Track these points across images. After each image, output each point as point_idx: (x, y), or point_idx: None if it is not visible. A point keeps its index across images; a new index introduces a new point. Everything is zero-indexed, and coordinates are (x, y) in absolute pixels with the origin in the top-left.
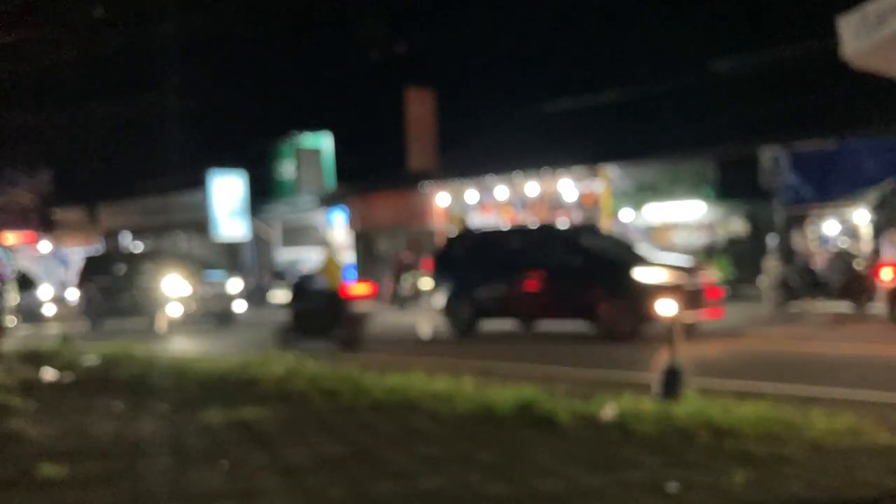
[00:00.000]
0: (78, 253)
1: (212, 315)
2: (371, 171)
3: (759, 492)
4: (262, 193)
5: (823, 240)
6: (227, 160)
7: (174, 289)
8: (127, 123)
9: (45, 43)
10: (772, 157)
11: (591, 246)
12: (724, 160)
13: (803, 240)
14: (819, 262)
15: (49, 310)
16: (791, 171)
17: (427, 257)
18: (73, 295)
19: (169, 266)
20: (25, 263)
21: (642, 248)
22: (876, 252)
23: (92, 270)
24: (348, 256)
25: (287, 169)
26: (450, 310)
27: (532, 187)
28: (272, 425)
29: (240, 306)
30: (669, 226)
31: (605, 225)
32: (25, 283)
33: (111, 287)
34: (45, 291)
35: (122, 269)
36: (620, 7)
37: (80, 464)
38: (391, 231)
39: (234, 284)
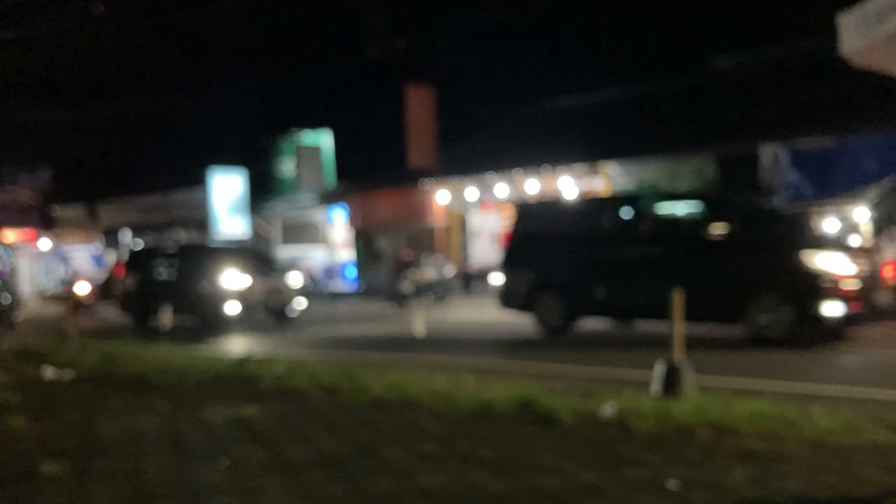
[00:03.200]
0: (78, 250)
1: None
2: (371, 169)
3: (759, 489)
4: (263, 191)
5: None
6: (228, 158)
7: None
8: (127, 121)
9: (45, 41)
10: (772, 155)
11: None
12: (725, 157)
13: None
14: None
15: (300, 304)
16: (791, 168)
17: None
18: (496, 278)
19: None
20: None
21: None
22: (876, 250)
23: (542, 239)
24: (348, 254)
25: (287, 166)
26: None
27: (532, 185)
28: (272, 422)
29: None
30: None
31: None
32: (265, 264)
33: (614, 268)
34: (294, 278)
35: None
36: (621, 5)
37: (80, 461)
38: (391, 228)
39: None
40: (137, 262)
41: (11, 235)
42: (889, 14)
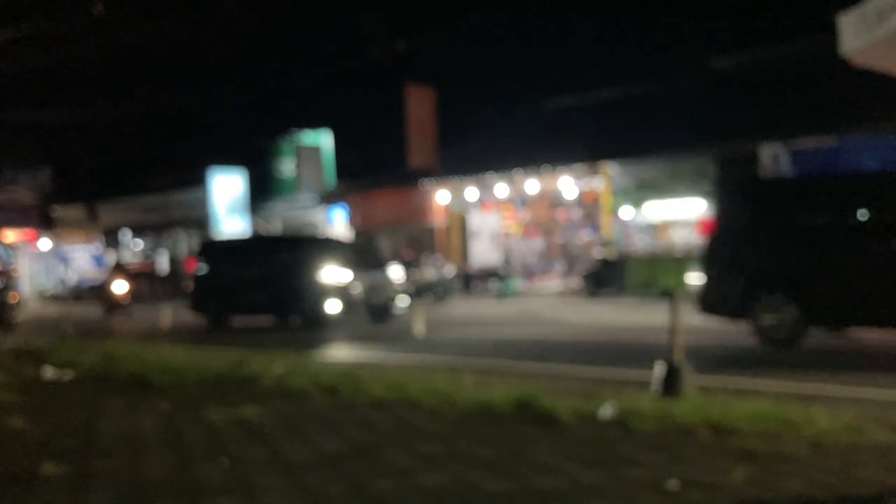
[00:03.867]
0: (78, 250)
1: None
2: (371, 169)
3: (759, 489)
4: (263, 191)
5: None
6: (228, 158)
7: None
8: (126, 121)
9: (45, 41)
10: (772, 154)
11: None
12: (725, 157)
13: None
14: None
15: (403, 302)
16: (791, 168)
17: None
18: (695, 277)
19: None
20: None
21: None
22: None
23: (766, 228)
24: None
25: (287, 166)
26: None
27: (532, 185)
28: (272, 422)
29: None
30: (669, 223)
31: (604, 222)
32: (373, 259)
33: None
34: (396, 272)
35: None
36: (621, 5)
37: (80, 461)
38: (391, 228)
39: None
40: (212, 255)
41: (11, 235)
42: (889, 14)
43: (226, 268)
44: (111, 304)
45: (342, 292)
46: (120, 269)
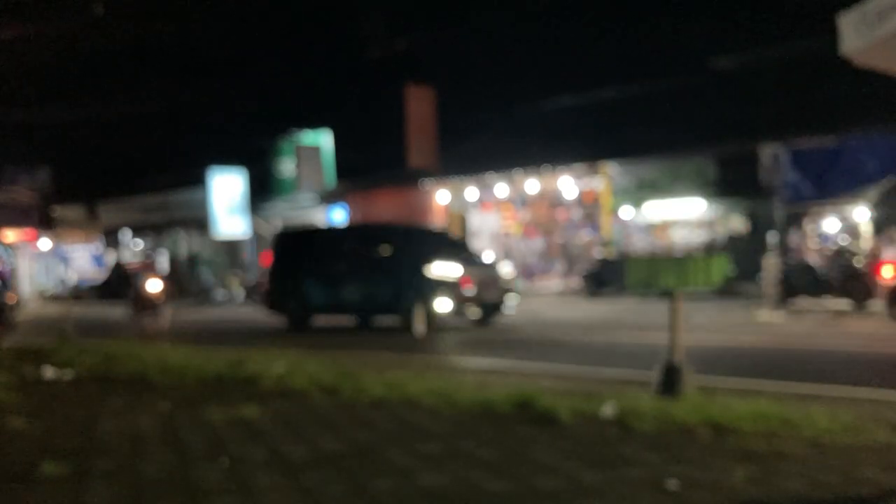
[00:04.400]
0: (78, 250)
1: None
2: (371, 169)
3: (759, 489)
4: (262, 191)
5: (823, 237)
6: (227, 157)
7: None
8: (127, 121)
9: (44, 40)
10: (772, 155)
11: None
12: (725, 157)
13: (800, 237)
14: (818, 259)
15: (513, 300)
16: (791, 168)
17: None
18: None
19: None
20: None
21: None
22: (876, 249)
23: None
24: None
25: (287, 166)
26: None
27: (532, 185)
28: (272, 422)
29: None
30: (669, 223)
31: (604, 222)
32: (467, 252)
33: None
34: (506, 268)
35: None
36: (621, 4)
37: (80, 461)
38: None
39: None
40: (293, 247)
41: (11, 235)
42: (889, 14)
43: (310, 262)
44: (144, 304)
45: (453, 289)
46: (151, 267)
